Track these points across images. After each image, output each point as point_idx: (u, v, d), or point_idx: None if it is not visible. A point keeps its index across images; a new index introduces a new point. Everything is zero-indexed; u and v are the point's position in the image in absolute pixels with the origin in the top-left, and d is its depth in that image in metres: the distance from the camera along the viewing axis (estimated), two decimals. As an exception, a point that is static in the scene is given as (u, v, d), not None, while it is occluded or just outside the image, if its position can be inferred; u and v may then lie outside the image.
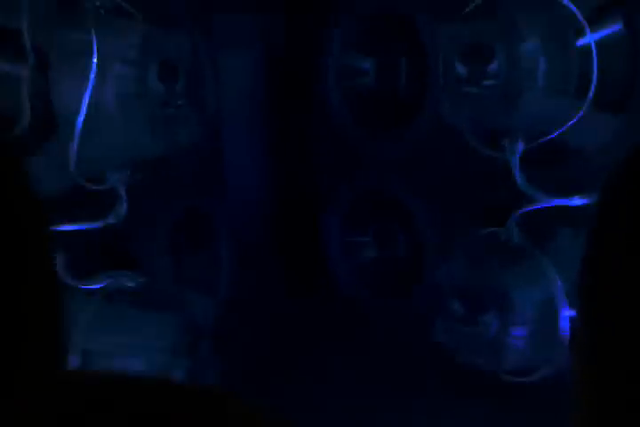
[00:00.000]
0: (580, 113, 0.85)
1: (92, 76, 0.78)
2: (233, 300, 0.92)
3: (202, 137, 0.94)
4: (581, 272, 0.45)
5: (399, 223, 1.04)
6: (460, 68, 0.88)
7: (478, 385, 0.87)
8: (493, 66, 0.87)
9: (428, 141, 0.99)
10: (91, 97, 0.79)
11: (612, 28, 0.88)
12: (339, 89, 1.07)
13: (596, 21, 0.86)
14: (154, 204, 0.92)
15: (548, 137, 0.87)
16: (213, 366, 0.78)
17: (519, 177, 0.88)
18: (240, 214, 1.04)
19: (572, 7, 0.84)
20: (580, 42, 0.87)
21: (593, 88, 0.85)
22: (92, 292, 0.80)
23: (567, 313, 0.83)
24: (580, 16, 0.84)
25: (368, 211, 1.07)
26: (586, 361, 0.44)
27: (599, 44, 0.86)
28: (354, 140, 1.07)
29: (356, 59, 1.05)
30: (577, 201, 0.87)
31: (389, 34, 1.03)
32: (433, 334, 0.89)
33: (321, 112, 1.08)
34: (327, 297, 1.03)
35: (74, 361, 0.70)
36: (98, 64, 0.79)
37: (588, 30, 0.85)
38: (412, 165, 1.02)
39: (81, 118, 0.79)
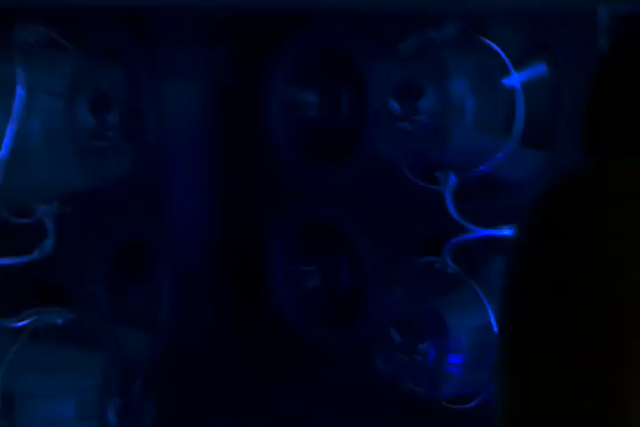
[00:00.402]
0: (507, 148, 0.89)
1: (17, 108, 0.78)
2: (171, 334, 0.92)
3: (139, 167, 0.94)
4: (500, 299, 0.48)
5: (341, 253, 1.06)
6: (394, 105, 0.91)
7: (420, 413, 0.88)
8: (424, 103, 0.91)
9: (368, 173, 1.02)
10: (16, 129, 0.78)
11: (536, 69, 0.93)
12: (281, 121, 1.09)
13: (520, 63, 0.91)
14: (85, 236, 0.91)
15: (478, 170, 0.91)
16: (147, 406, 0.77)
17: (452, 208, 0.91)
18: (181, 245, 1.04)
19: (498, 49, 0.89)
20: (506, 81, 0.91)
21: (519, 124, 0.89)
22: (18, 329, 0.78)
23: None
24: (505, 57, 0.89)
25: (310, 241, 1.09)
26: (506, 383, 0.46)
27: (524, 83, 0.91)
28: (296, 171, 1.09)
29: (299, 92, 1.08)
30: (506, 231, 0.90)
31: (332, 69, 1.06)
32: (374, 362, 0.91)
33: (263, 143, 1.09)
34: (270, 327, 1.03)
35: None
36: (24, 96, 0.78)
37: (513, 71, 0.89)
38: (353, 196, 1.04)
39: (5, 151, 0.78)
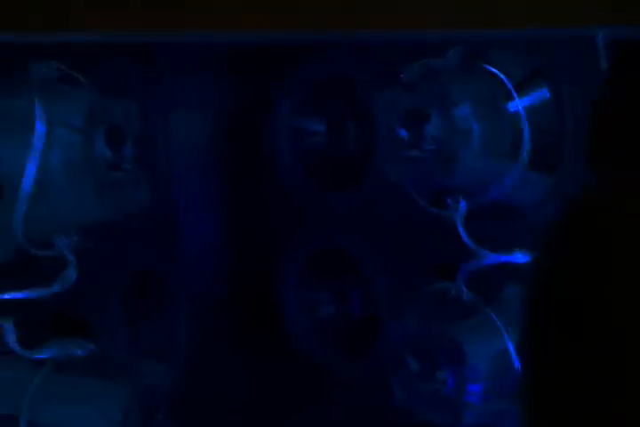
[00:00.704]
0: (515, 172, 0.90)
1: (38, 143, 0.80)
2: (187, 364, 0.92)
3: (153, 199, 0.95)
4: (521, 325, 0.48)
5: (354, 280, 1.06)
6: (401, 133, 0.93)
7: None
8: (431, 130, 0.92)
9: (378, 200, 1.03)
10: (36, 164, 0.80)
11: (539, 94, 0.94)
12: (290, 149, 1.10)
13: (523, 87, 0.92)
14: (104, 269, 0.92)
15: (487, 195, 0.92)
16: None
17: (464, 234, 0.92)
18: (195, 275, 1.05)
19: (501, 75, 0.90)
20: (510, 106, 0.92)
21: (525, 148, 0.90)
22: (41, 361, 0.79)
23: (518, 366, 0.85)
24: (508, 83, 0.90)
25: (323, 268, 1.09)
26: (530, 411, 0.46)
27: (528, 108, 0.92)
28: (307, 199, 1.10)
29: (307, 120, 1.10)
30: (518, 256, 0.90)
31: (338, 97, 1.07)
32: (391, 390, 0.90)
33: (273, 172, 1.11)
34: (285, 355, 1.03)
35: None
36: (43, 131, 0.80)
37: (516, 96, 0.91)
38: (364, 223, 1.05)
39: (26, 185, 0.79)
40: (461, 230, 0.91)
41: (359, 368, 0.96)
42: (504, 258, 0.91)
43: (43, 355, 0.78)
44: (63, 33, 0.73)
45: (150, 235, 1.01)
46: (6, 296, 0.77)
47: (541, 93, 0.94)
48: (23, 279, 0.82)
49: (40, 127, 0.79)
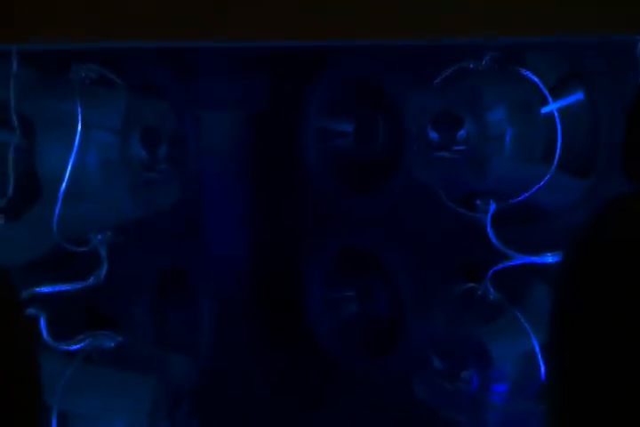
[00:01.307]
0: (548, 176, 0.90)
1: (76, 143, 0.82)
2: (213, 359, 0.93)
3: (183, 198, 0.96)
4: (549, 326, 0.48)
5: (379, 280, 1.06)
6: (432, 135, 0.93)
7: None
8: (462, 133, 0.92)
9: (406, 200, 1.03)
10: (74, 163, 0.82)
11: (573, 97, 0.94)
12: (319, 150, 1.11)
13: (558, 91, 0.92)
14: (135, 264, 0.94)
15: (519, 198, 0.91)
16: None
17: (493, 235, 0.92)
18: (221, 273, 1.06)
19: (535, 78, 0.90)
20: (544, 110, 0.92)
21: (558, 153, 0.90)
22: (71, 353, 0.80)
23: (544, 368, 0.85)
24: (542, 86, 0.90)
25: (348, 267, 1.09)
26: (557, 412, 0.46)
27: (562, 111, 0.91)
28: (334, 199, 1.10)
29: (335, 121, 1.10)
30: (548, 258, 0.90)
31: (368, 98, 1.08)
32: (415, 390, 0.90)
33: (301, 172, 1.11)
34: (308, 353, 1.04)
35: (51, 425, 0.69)
36: (82, 132, 0.82)
37: (550, 99, 0.90)
38: (391, 223, 1.05)
39: (64, 184, 0.81)
40: (490, 232, 0.91)
41: (381, 367, 0.96)
42: (532, 260, 0.91)
43: (73, 347, 0.80)
44: (105, 41, 0.75)
45: (179, 233, 1.03)
46: (44, 290, 0.79)
47: (576, 97, 0.93)
48: (57, 274, 0.84)
49: (80, 128, 0.81)
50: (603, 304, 0.45)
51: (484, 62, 0.92)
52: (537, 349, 0.86)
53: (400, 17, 0.82)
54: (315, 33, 0.81)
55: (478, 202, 0.93)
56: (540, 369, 0.83)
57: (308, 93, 1.09)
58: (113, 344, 0.80)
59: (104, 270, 0.83)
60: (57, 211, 0.81)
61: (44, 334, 0.80)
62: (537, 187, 0.90)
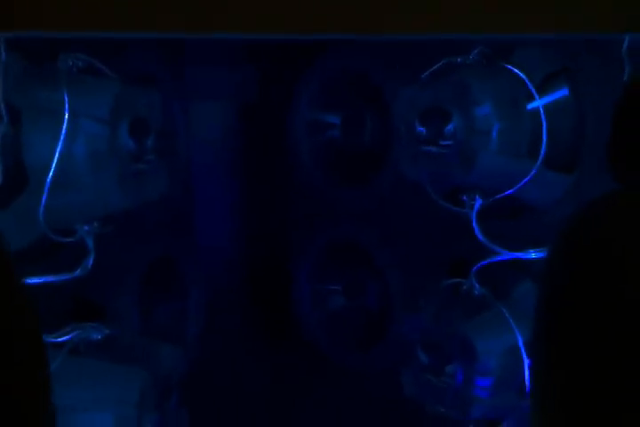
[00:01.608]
0: (533, 171, 0.91)
1: (64, 132, 0.81)
2: (202, 350, 0.93)
3: (172, 189, 0.96)
4: (534, 322, 0.48)
5: (367, 274, 1.07)
6: (419, 129, 0.93)
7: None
8: (450, 127, 0.92)
9: (393, 195, 1.03)
10: (62, 153, 0.81)
11: (560, 93, 0.94)
12: (307, 143, 1.11)
13: (544, 87, 0.93)
14: (122, 255, 0.93)
15: (504, 193, 0.92)
16: (182, 420, 0.78)
17: (478, 230, 0.92)
18: (210, 264, 1.06)
19: (522, 74, 0.91)
20: (530, 106, 0.93)
21: (544, 148, 0.90)
22: (59, 344, 0.80)
23: (528, 362, 0.86)
24: (529, 82, 0.91)
25: (336, 261, 1.10)
26: (542, 406, 0.47)
27: (548, 107, 0.92)
28: (322, 192, 1.11)
29: (324, 114, 1.10)
30: (533, 254, 0.91)
31: (356, 92, 1.08)
32: (400, 384, 0.91)
33: (290, 164, 1.11)
34: (296, 346, 1.04)
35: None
36: (69, 121, 0.81)
37: (537, 95, 0.91)
38: (378, 217, 1.06)
39: (51, 173, 0.81)
40: (476, 227, 0.92)
41: (368, 360, 0.97)
42: (517, 255, 0.92)
43: (61, 339, 0.80)
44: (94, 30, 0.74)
45: (168, 223, 1.02)
46: (30, 281, 0.78)
47: (562, 93, 0.94)
48: (43, 265, 0.84)
49: (66, 117, 0.80)
50: (588, 300, 0.46)
51: (471, 57, 0.92)
52: (521, 343, 0.87)
53: (389, 11, 0.82)
54: (305, 26, 0.81)
55: (464, 197, 0.94)
56: (523, 364, 0.84)
57: (298, 86, 1.09)
58: (100, 336, 0.80)
59: (91, 261, 0.83)
60: (43, 201, 0.80)
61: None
62: (522, 182, 0.91)
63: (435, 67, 0.93)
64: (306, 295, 1.07)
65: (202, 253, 1.06)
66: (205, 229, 1.08)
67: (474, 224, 0.92)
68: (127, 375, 0.77)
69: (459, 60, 0.93)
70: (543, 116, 0.90)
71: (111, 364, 0.78)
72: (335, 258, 1.09)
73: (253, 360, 1.00)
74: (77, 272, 0.82)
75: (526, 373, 0.84)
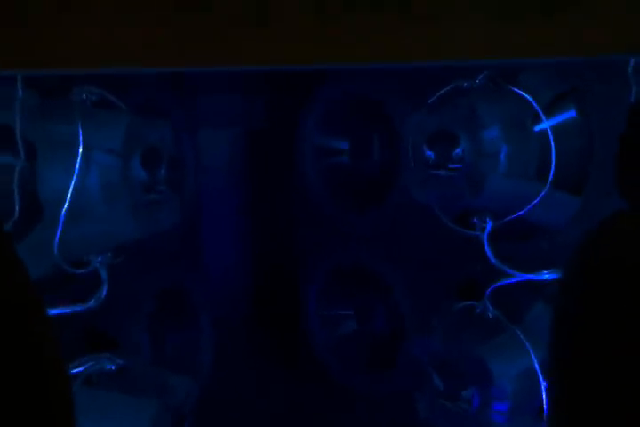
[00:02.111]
0: (542, 193, 0.91)
1: (78, 165, 0.82)
2: (213, 378, 0.93)
3: (181, 219, 0.97)
4: (549, 343, 0.48)
5: (378, 297, 1.07)
6: (428, 153, 0.94)
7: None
8: (458, 151, 0.93)
9: (403, 218, 1.03)
10: (76, 185, 0.82)
11: (567, 115, 0.95)
12: (316, 167, 1.12)
13: (552, 109, 0.93)
14: (133, 285, 0.94)
15: (514, 215, 0.92)
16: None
17: (490, 253, 0.92)
18: (220, 292, 1.06)
19: (529, 97, 0.91)
20: (538, 128, 0.93)
21: (552, 169, 0.91)
22: (73, 375, 0.80)
23: (544, 385, 0.85)
24: (536, 105, 0.91)
25: (347, 285, 1.09)
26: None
27: (556, 129, 0.92)
28: (331, 216, 1.11)
29: (332, 139, 1.11)
30: (546, 276, 0.90)
31: (364, 117, 1.09)
32: (415, 408, 0.90)
33: (299, 189, 1.12)
34: (308, 371, 1.04)
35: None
36: (83, 154, 0.83)
37: (544, 117, 0.91)
38: (389, 241, 1.06)
39: (66, 206, 0.82)
40: (487, 249, 0.92)
41: (381, 385, 0.96)
42: (530, 277, 0.91)
43: (74, 370, 0.80)
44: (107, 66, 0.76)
45: (177, 252, 1.03)
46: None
47: (570, 115, 0.94)
48: (57, 296, 0.84)
49: (80, 150, 0.82)
50: (604, 321, 0.45)
51: (478, 81, 0.93)
52: (537, 366, 0.85)
53: (396, 38, 0.83)
54: (312, 55, 0.82)
55: (475, 220, 0.94)
56: (540, 387, 0.83)
57: (305, 112, 1.10)
58: (113, 367, 0.80)
59: (104, 292, 0.84)
60: (58, 233, 0.81)
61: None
62: (532, 204, 0.91)
63: (442, 91, 0.94)
64: (316, 320, 1.07)
65: (211, 282, 1.06)
66: (215, 257, 1.09)
67: (486, 247, 0.92)
68: (139, 406, 0.77)
69: (465, 84, 0.94)
70: (551, 138, 0.90)
71: (124, 394, 0.78)
72: (345, 282, 1.09)
73: (265, 388, 0.99)
74: (91, 303, 0.83)
75: (543, 396, 0.83)
